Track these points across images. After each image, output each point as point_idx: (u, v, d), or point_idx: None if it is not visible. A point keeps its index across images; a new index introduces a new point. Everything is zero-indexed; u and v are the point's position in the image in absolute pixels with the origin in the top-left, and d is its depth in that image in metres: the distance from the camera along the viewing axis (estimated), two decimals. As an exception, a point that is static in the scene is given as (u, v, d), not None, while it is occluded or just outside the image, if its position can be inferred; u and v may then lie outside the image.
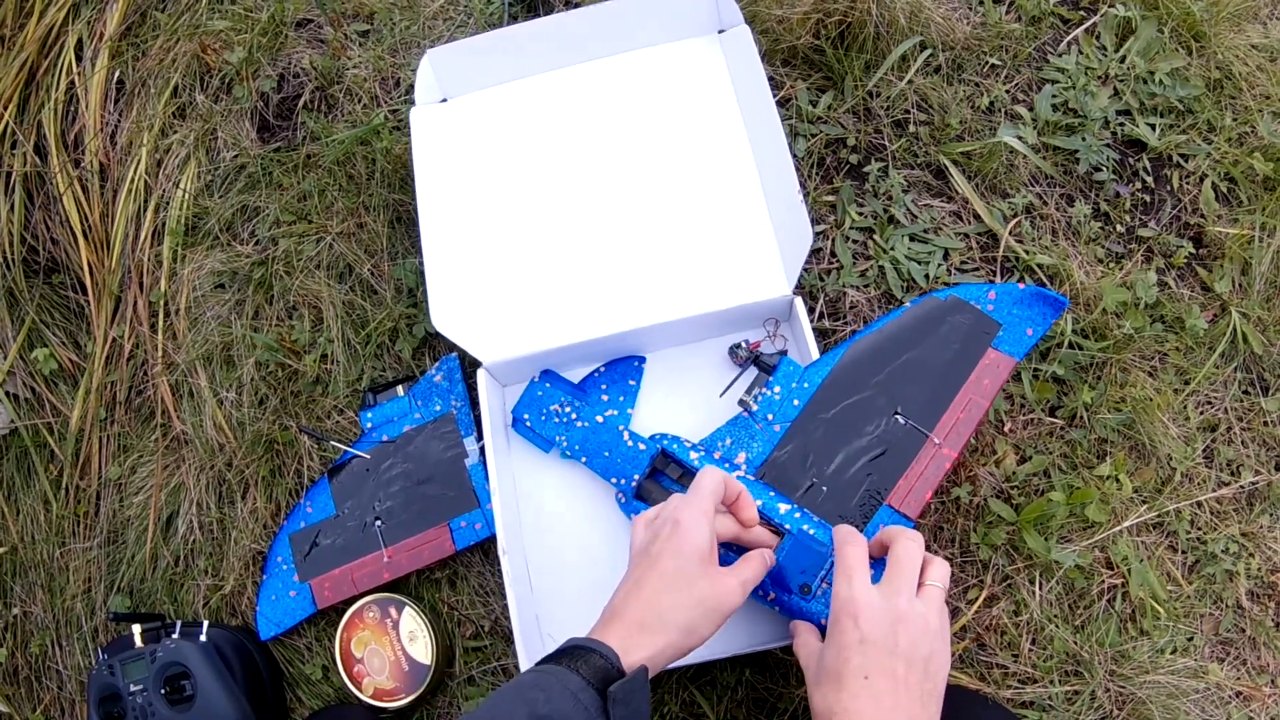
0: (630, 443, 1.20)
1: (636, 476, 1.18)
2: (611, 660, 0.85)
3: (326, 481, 1.34)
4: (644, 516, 0.99)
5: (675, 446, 1.17)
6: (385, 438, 1.34)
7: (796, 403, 1.16)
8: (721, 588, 0.91)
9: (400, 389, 1.37)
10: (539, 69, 1.42)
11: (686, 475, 1.15)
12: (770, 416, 1.16)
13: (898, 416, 1.14)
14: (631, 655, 0.86)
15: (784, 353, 1.22)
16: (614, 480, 1.20)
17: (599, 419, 1.23)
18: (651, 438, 1.19)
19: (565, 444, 1.24)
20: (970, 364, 1.15)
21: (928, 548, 1.21)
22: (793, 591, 1.03)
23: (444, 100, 1.43)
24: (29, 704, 1.44)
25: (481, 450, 1.30)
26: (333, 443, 1.35)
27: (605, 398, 1.27)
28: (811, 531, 1.05)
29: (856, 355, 1.17)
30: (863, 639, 0.87)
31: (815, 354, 1.20)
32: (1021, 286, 1.17)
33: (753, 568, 0.97)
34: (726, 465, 1.14)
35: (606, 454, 1.21)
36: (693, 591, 0.90)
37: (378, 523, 1.30)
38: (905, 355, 1.16)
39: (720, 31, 1.41)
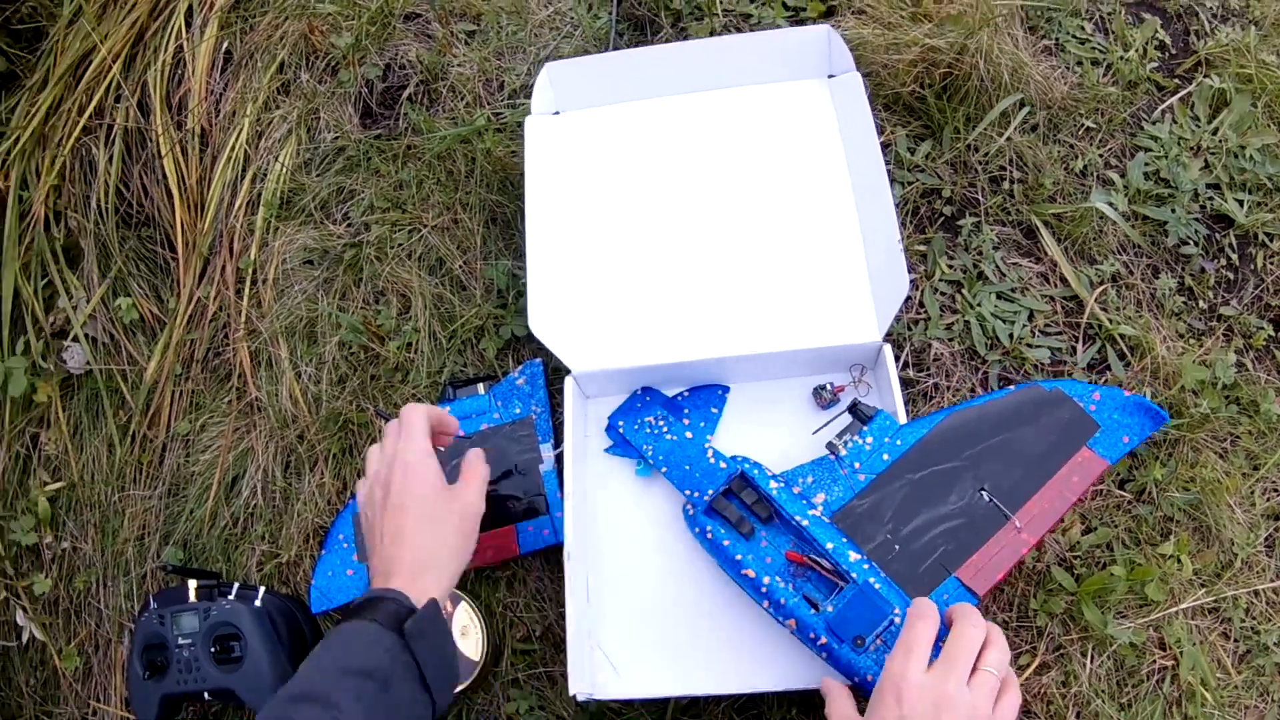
0: (712, 459, 1.16)
1: (711, 491, 1.13)
2: (402, 602, 0.88)
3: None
4: (371, 471, 1.02)
5: (755, 471, 1.11)
6: (461, 433, 1.25)
7: (886, 457, 1.10)
8: (464, 503, 0.99)
9: (481, 387, 1.31)
10: (652, 94, 1.38)
11: (760, 503, 1.10)
12: (857, 465, 1.11)
13: (983, 493, 1.07)
14: (417, 587, 0.90)
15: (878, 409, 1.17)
16: (688, 492, 1.16)
17: (688, 435, 1.20)
18: (734, 459, 1.15)
19: (651, 454, 1.20)
20: (1063, 458, 1.09)
21: (986, 609, 1.17)
22: (844, 641, 0.98)
23: (557, 113, 1.39)
24: (65, 636, 1.42)
25: (558, 458, 1.25)
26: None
27: (686, 421, 1.22)
28: (877, 586, 1.00)
29: (954, 425, 1.12)
30: (902, 718, 0.84)
31: (900, 405, 1.15)
32: (1127, 394, 1.11)
33: (477, 470, 1.04)
34: (804, 503, 1.09)
35: (687, 467, 1.17)
36: (448, 520, 0.96)
37: None
38: (1001, 435, 1.11)
39: (830, 76, 1.36)
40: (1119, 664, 1.16)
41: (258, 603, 1.22)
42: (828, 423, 1.18)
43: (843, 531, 1.06)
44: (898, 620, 0.98)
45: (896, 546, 1.06)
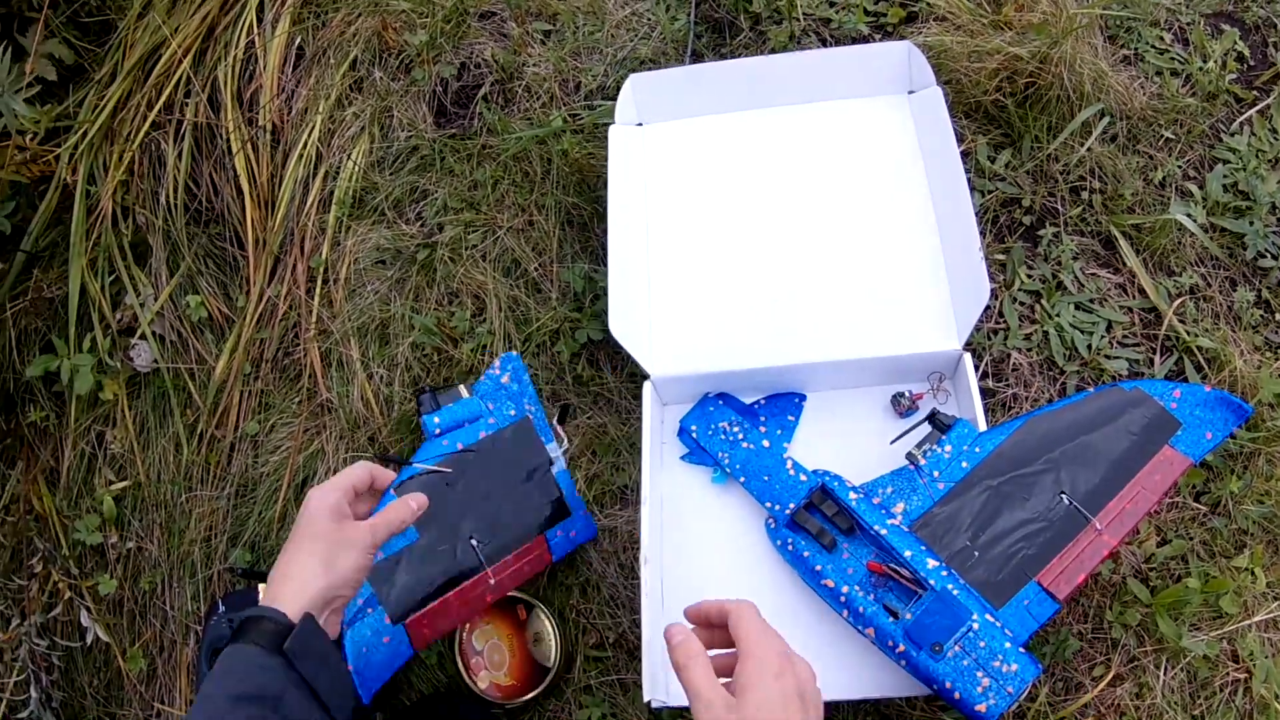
0: (793, 471, 1.18)
1: (793, 504, 1.14)
2: (278, 619, 0.87)
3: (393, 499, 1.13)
4: None
5: (836, 484, 1.13)
6: (462, 445, 1.20)
7: (965, 465, 1.11)
8: (350, 527, 0.98)
9: (463, 389, 1.24)
10: (733, 107, 1.40)
11: (841, 515, 1.11)
12: (936, 474, 1.11)
13: (1063, 497, 1.07)
14: (289, 603, 0.89)
15: (957, 418, 1.18)
16: (768, 505, 1.17)
17: (765, 444, 1.21)
18: (815, 472, 1.16)
19: (727, 462, 1.21)
20: (1145, 457, 1.08)
21: (1062, 620, 1.18)
22: (922, 648, 1.00)
23: (640, 124, 1.41)
24: (129, 637, 1.43)
25: (564, 455, 1.26)
26: (417, 465, 1.18)
27: (763, 429, 1.23)
28: (955, 592, 1.02)
29: (1033, 430, 1.12)
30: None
31: (980, 413, 1.16)
32: (1208, 389, 1.11)
33: (390, 510, 1.05)
34: (883, 513, 1.10)
35: (766, 478, 1.18)
36: (319, 538, 0.95)
37: (474, 541, 1.18)
38: (1081, 438, 1.10)
39: (910, 92, 1.37)
40: (1192, 676, 1.17)
41: (325, 609, 1.23)
42: (906, 432, 1.19)
43: (922, 540, 1.08)
44: (976, 627, 0.99)
45: (976, 553, 1.07)
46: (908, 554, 1.04)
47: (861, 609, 1.04)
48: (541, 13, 1.56)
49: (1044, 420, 1.12)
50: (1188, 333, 1.28)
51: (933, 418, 1.16)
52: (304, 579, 0.92)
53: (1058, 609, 1.03)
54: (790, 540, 1.13)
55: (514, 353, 1.28)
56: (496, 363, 1.26)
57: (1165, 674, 1.17)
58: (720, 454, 1.22)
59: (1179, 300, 1.31)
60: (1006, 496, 1.09)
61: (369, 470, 1.07)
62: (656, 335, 1.28)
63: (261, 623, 0.87)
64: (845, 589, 1.06)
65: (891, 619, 1.03)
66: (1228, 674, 1.17)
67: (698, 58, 1.49)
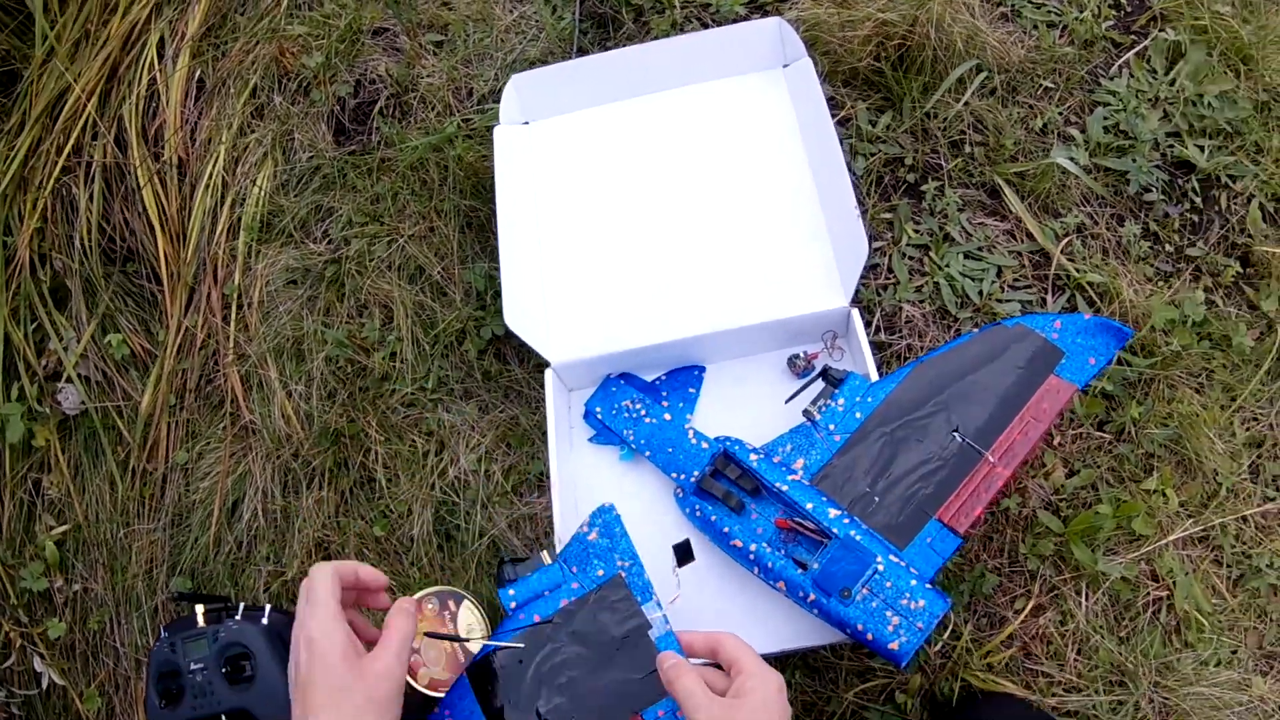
0: (694, 441, 1.20)
1: (697, 473, 1.17)
2: None
3: (467, 683, 1.07)
4: (295, 643, 0.91)
5: (737, 448, 1.15)
6: (538, 617, 1.06)
7: (859, 415, 1.14)
8: (374, 676, 0.85)
9: (545, 555, 1.10)
10: (616, 97, 1.43)
11: (745, 477, 1.14)
12: (832, 427, 1.14)
13: (955, 435, 1.10)
14: None
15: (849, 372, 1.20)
16: (674, 475, 1.19)
17: (666, 417, 1.23)
18: (716, 439, 1.18)
19: (632, 438, 1.24)
20: (1031, 388, 1.11)
21: (977, 558, 1.21)
22: (831, 594, 1.02)
23: (526, 123, 1.44)
24: (84, 678, 1.44)
25: (664, 619, 1.04)
26: (480, 642, 1.12)
27: (665, 403, 1.26)
28: (858, 538, 1.04)
29: (922, 375, 1.14)
30: None
31: (871, 366, 1.19)
32: (1087, 317, 1.13)
33: (393, 631, 0.90)
34: (784, 470, 1.13)
35: (670, 450, 1.21)
36: (352, 699, 0.83)
37: None
38: (968, 377, 1.13)
39: (785, 66, 1.41)
40: (1114, 599, 1.20)
41: (265, 620, 1.24)
42: (799, 390, 1.21)
43: (822, 492, 1.10)
44: (881, 569, 1.01)
45: (876, 499, 1.09)
46: (809, 506, 1.07)
47: (771, 564, 1.07)
48: (433, 24, 1.59)
49: (932, 365, 1.15)
50: (1077, 270, 1.32)
51: (825, 374, 1.18)
52: None
53: (960, 543, 1.05)
54: (698, 507, 1.15)
55: (608, 504, 1.12)
56: (585, 518, 1.12)
57: (1087, 599, 1.20)
58: (625, 431, 1.25)
59: (1066, 240, 1.35)
60: (901, 441, 1.11)
61: (354, 570, 0.95)
62: (554, 323, 1.30)
63: None
64: (754, 547, 1.09)
65: (800, 570, 1.05)
66: (1149, 593, 1.21)
67: (583, 53, 1.52)
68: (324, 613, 0.87)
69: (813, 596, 1.03)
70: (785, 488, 1.09)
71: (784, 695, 0.86)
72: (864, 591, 1.01)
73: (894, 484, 1.10)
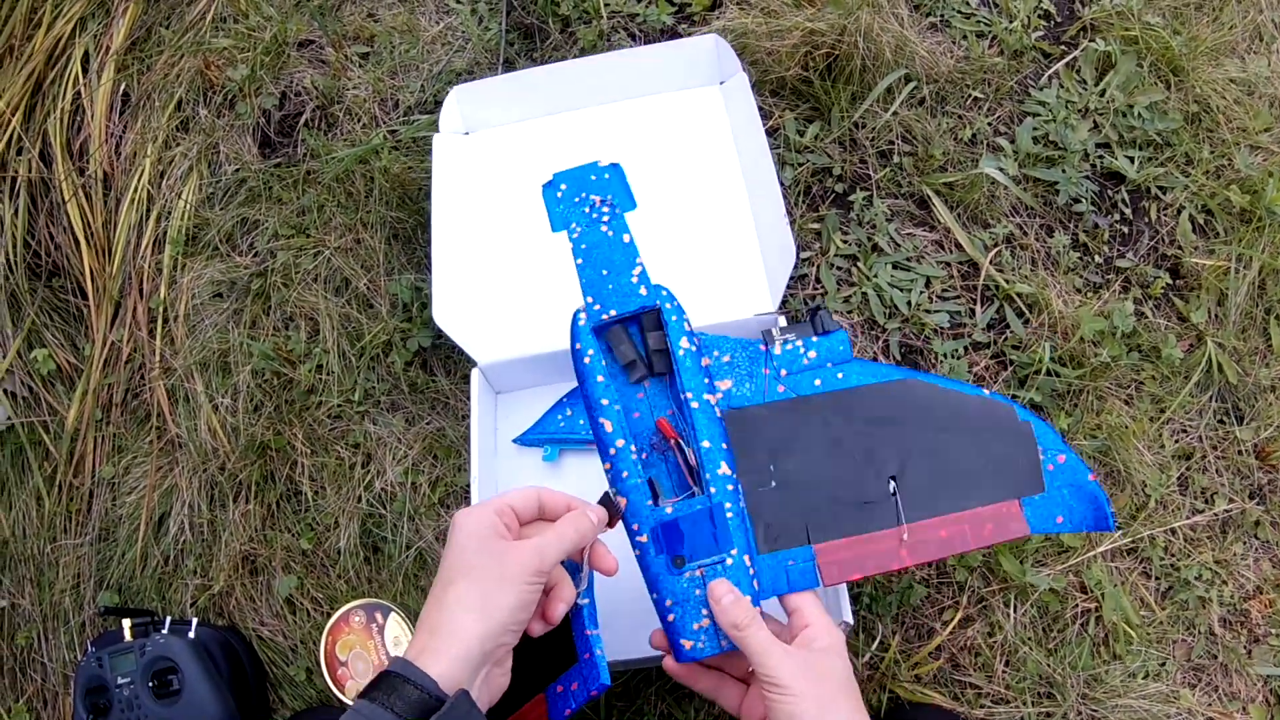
0: (636, 280, 1.06)
1: (614, 312, 1.03)
2: (429, 688, 0.73)
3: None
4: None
5: (674, 318, 1.00)
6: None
7: (818, 383, 0.97)
8: (510, 557, 0.81)
9: None
10: (554, 110, 1.42)
11: (662, 355, 1.00)
12: (784, 372, 0.97)
13: (891, 481, 0.93)
14: (440, 664, 0.75)
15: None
16: (589, 299, 1.05)
17: (625, 239, 1.12)
18: (658, 287, 1.04)
19: (578, 235, 1.12)
20: (989, 498, 0.92)
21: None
22: (663, 551, 0.90)
23: (467, 133, 1.43)
24: (13, 694, 1.41)
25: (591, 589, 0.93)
26: None
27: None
28: (730, 515, 0.91)
29: (907, 390, 0.96)
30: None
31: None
32: (1093, 478, 0.92)
33: (563, 523, 0.86)
34: (705, 382, 0.97)
35: (605, 272, 1.10)
36: (470, 575, 0.80)
37: None
38: (944, 434, 0.94)
39: (722, 83, 1.40)
40: (1043, 610, 1.19)
41: (191, 634, 1.23)
42: (784, 319, 1.11)
43: (728, 436, 0.95)
44: (730, 563, 0.89)
45: (773, 483, 0.94)
46: (705, 444, 0.93)
47: (625, 473, 0.93)
48: (358, 36, 1.57)
49: (921, 389, 0.96)
50: (1006, 280, 1.31)
51: (814, 314, 1.01)
52: (454, 632, 0.77)
53: (815, 588, 0.90)
54: (590, 351, 1.00)
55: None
56: None
57: (1015, 611, 1.18)
58: (574, 225, 1.14)
59: (994, 250, 1.33)
60: (837, 443, 0.94)
61: (537, 495, 0.89)
62: (483, 324, 1.28)
63: (403, 686, 0.73)
64: (620, 442, 0.95)
65: (650, 501, 0.92)
66: (1077, 605, 1.19)
67: (510, 65, 1.51)
68: (479, 508, 0.84)
69: (645, 538, 0.91)
70: (696, 405, 0.95)
71: (845, 659, 0.83)
72: (697, 573, 0.89)
73: (799, 484, 0.94)
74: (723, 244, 1.29)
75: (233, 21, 1.61)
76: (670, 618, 0.89)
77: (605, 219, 1.16)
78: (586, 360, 0.99)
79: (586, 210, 1.17)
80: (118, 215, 1.54)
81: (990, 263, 1.32)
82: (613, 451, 0.94)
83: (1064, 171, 1.38)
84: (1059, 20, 1.51)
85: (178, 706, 1.18)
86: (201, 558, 1.35)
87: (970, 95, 1.44)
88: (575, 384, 1.13)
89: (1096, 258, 1.35)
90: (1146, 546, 1.22)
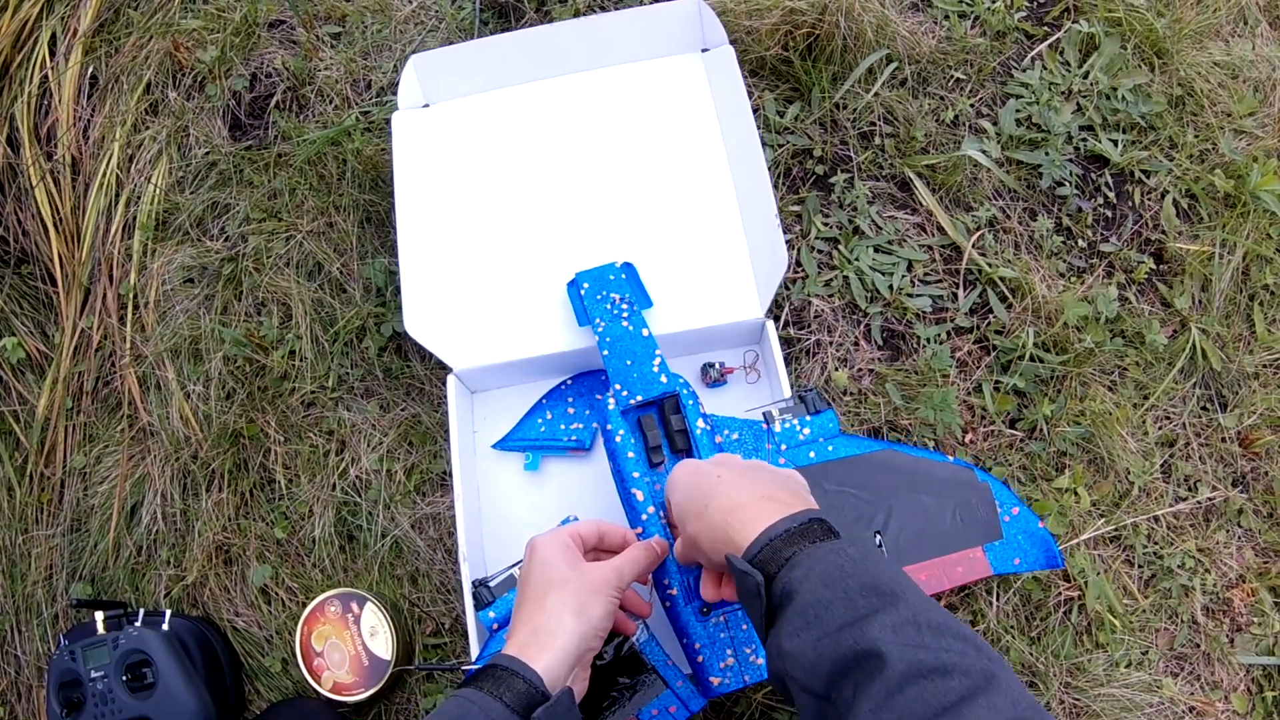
0: (657, 369, 1.13)
1: (640, 398, 1.11)
2: (535, 684, 0.81)
3: None
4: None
5: (690, 401, 1.10)
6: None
7: (813, 455, 1.09)
8: (590, 573, 0.91)
9: (517, 572, 1.06)
10: (524, 79, 1.37)
11: (683, 434, 1.09)
12: (784, 447, 1.10)
13: (877, 535, 1.08)
14: (543, 661, 0.83)
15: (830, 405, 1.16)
16: (617, 386, 1.12)
17: (645, 333, 1.15)
18: (676, 375, 1.12)
19: (603, 329, 1.16)
20: (959, 546, 1.08)
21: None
22: (694, 601, 1.01)
23: (426, 105, 1.38)
24: (-16, 690, 1.39)
25: (646, 627, 1.03)
26: (461, 667, 1.18)
27: (572, 410, 1.22)
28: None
29: (887, 461, 1.11)
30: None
31: (784, 378, 1.16)
32: (1041, 525, 1.09)
33: (636, 549, 0.97)
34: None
35: (629, 362, 1.14)
36: (566, 585, 0.89)
37: None
38: (920, 495, 1.10)
39: (704, 50, 1.35)
40: (1025, 599, 1.17)
41: (165, 626, 1.21)
42: (775, 405, 1.15)
43: None
44: None
45: None
46: None
47: (656, 537, 1.03)
48: (330, 16, 1.53)
49: (898, 459, 1.12)
50: (988, 264, 1.29)
51: (803, 396, 1.13)
52: (555, 632, 0.85)
53: None
54: (621, 433, 1.08)
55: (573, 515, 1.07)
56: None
57: (998, 600, 1.17)
58: (598, 321, 1.17)
59: (977, 234, 1.31)
60: (831, 505, 1.09)
61: (597, 527, 0.98)
62: (456, 327, 1.24)
63: (512, 679, 0.80)
64: (650, 510, 1.04)
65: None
66: (1060, 594, 1.18)
67: (484, 43, 1.47)
68: (554, 533, 0.95)
69: (675, 591, 1.01)
70: None
71: (688, 472, 0.93)
72: (721, 619, 1.01)
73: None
74: (707, 239, 1.26)
75: (202, 2, 1.57)
76: (700, 659, 1.00)
77: (625, 315, 1.17)
78: (618, 439, 1.08)
79: (608, 307, 1.18)
80: (86, 200, 1.50)
81: (973, 246, 1.30)
82: (644, 517, 1.04)
83: (1047, 154, 1.35)
84: (1041, 1, 1.48)
85: (152, 700, 1.17)
86: (175, 548, 1.33)
87: (952, 76, 1.41)
88: (552, 384, 1.27)
89: (1080, 242, 1.33)
90: (1129, 534, 1.20)
